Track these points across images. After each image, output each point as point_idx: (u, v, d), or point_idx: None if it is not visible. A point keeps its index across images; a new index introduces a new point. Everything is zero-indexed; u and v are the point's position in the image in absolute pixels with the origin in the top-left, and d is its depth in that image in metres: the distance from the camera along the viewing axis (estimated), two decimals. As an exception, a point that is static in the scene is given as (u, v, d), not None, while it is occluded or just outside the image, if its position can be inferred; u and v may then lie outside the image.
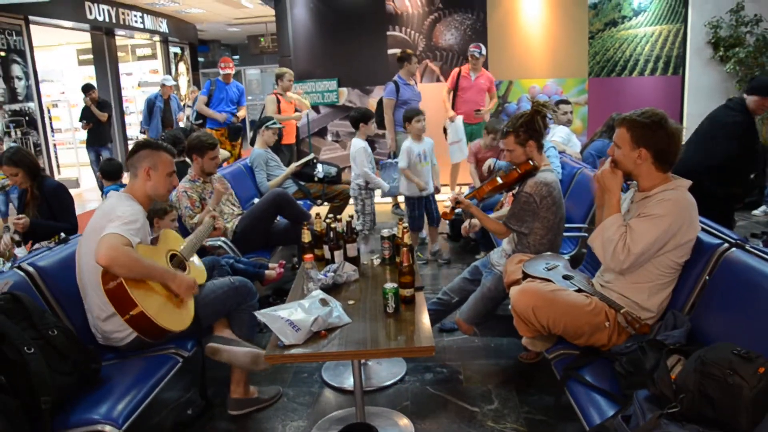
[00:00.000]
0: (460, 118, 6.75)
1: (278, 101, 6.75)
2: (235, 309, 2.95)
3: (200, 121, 7.38)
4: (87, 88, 9.15)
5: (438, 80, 7.90)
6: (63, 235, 3.12)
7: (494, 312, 3.33)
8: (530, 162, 3.15)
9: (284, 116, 6.73)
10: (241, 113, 7.51)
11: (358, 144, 5.13)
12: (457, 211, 3.36)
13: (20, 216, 3.74)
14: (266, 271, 3.87)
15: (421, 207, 5.17)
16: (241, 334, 2.93)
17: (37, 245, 3.56)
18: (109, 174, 4.94)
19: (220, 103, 7.23)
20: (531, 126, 3.15)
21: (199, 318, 2.75)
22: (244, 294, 2.96)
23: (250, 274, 3.68)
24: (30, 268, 2.61)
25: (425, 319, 2.59)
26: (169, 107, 8.85)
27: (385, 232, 3.39)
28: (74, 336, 2.40)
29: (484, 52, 6.90)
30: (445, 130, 6.82)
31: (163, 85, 8.81)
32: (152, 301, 2.50)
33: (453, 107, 6.86)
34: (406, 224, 3.16)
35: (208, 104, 7.29)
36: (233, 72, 7.51)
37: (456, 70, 7.04)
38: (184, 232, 3.77)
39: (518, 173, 3.16)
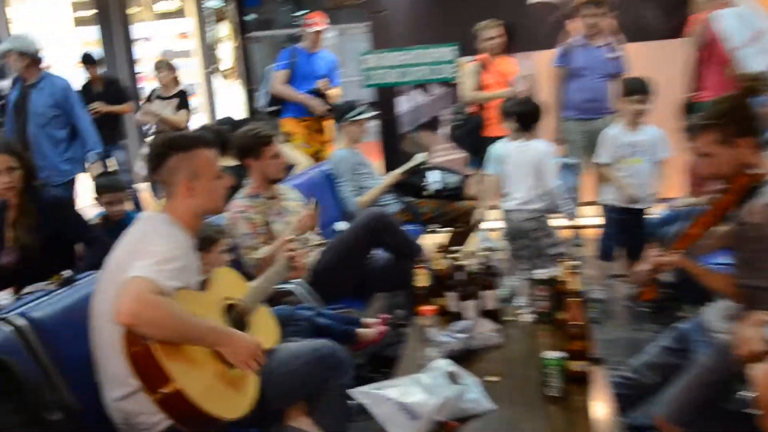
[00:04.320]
0: None
1: (481, 70, 6.56)
2: (320, 388, 2.91)
3: (274, 108, 7.44)
4: (87, 59, 8.92)
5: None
6: (69, 272, 3.11)
7: (718, 404, 3.06)
8: (746, 172, 2.91)
9: (490, 93, 6.47)
10: (334, 92, 7.38)
11: (542, 147, 4.87)
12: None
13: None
14: (360, 330, 3.82)
15: (617, 225, 5.05)
16: (326, 424, 2.89)
17: (28, 288, 3.47)
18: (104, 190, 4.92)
19: (305, 81, 7.26)
20: (741, 114, 2.93)
21: (265, 400, 2.72)
22: (332, 366, 2.91)
23: (337, 333, 3.63)
24: (21, 321, 2.58)
25: (607, 409, 2.59)
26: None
27: (541, 274, 3.35)
28: (80, 421, 2.43)
29: None
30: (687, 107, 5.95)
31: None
32: (195, 374, 2.49)
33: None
34: (574, 262, 3.10)
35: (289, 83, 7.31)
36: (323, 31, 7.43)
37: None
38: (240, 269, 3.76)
39: (732, 196, 2.93)
